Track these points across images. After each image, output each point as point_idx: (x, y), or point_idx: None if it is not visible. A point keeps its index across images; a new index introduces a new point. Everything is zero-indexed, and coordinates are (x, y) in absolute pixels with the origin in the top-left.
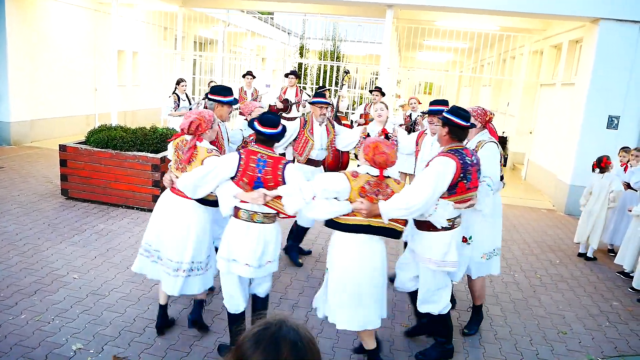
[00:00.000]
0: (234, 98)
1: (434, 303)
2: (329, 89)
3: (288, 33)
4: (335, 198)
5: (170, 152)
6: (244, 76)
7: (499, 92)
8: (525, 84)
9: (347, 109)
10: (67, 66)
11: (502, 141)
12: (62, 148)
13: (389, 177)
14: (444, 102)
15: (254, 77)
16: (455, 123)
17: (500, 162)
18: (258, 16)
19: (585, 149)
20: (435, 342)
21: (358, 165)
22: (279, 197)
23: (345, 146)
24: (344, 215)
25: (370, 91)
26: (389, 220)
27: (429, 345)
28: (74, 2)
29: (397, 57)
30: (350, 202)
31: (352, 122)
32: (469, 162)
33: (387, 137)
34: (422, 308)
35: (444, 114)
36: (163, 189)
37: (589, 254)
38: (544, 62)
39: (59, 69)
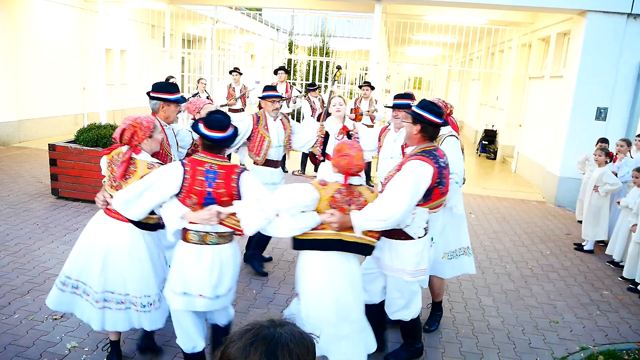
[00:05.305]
0: (181, 96)
1: (407, 309)
2: (319, 86)
3: (277, 29)
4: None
5: (103, 168)
6: (230, 72)
7: (488, 86)
8: (514, 77)
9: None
10: (54, 65)
11: (492, 134)
12: (52, 147)
13: (360, 185)
14: (409, 96)
15: (240, 73)
16: (429, 120)
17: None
18: (246, 13)
19: (574, 141)
20: (405, 343)
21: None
22: (234, 214)
23: (302, 146)
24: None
25: (360, 86)
26: (362, 233)
27: (399, 346)
28: (61, 0)
29: (386, 52)
30: (319, 214)
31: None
32: (443, 165)
33: (348, 135)
34: (395, 316)
35: (415, 109)
36: None
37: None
38: (533, 55)
39: (46, 69)
